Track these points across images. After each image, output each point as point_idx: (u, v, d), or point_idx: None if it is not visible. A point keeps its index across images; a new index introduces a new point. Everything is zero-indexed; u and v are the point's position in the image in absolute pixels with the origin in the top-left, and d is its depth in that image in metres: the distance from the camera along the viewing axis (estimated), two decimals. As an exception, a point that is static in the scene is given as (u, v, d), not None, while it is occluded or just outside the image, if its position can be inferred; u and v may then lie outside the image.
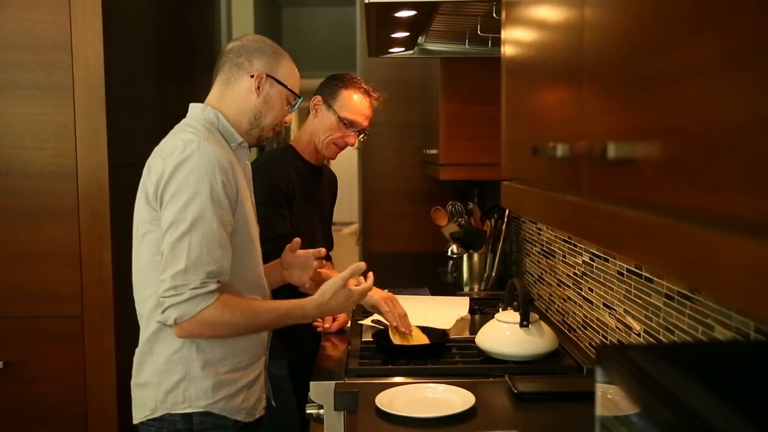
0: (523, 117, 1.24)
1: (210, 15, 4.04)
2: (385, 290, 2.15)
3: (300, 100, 1.79)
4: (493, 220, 2.80)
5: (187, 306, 1.49)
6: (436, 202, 3.82)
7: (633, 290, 1.64)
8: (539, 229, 2.55)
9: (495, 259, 2.77)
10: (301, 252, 1.93)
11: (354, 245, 8.32)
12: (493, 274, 2.77)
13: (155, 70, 3.06)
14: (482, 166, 2.75)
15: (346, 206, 9.03)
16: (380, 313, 2.06)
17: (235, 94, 1.71)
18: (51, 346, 2.51)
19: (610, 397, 0.88)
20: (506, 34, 1.37)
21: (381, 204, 4.09)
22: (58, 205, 2.48)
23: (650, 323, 1.55)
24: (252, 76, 1.70)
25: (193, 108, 1.72)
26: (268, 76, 1.71)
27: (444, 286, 2.99)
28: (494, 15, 1.87)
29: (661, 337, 1.49)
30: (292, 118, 1.87)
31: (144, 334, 1.65)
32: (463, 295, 2.71)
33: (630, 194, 0.73)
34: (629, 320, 1.67)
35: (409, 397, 1.61)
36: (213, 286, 1.51)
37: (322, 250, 1.95)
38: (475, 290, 2.79)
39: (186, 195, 1.50)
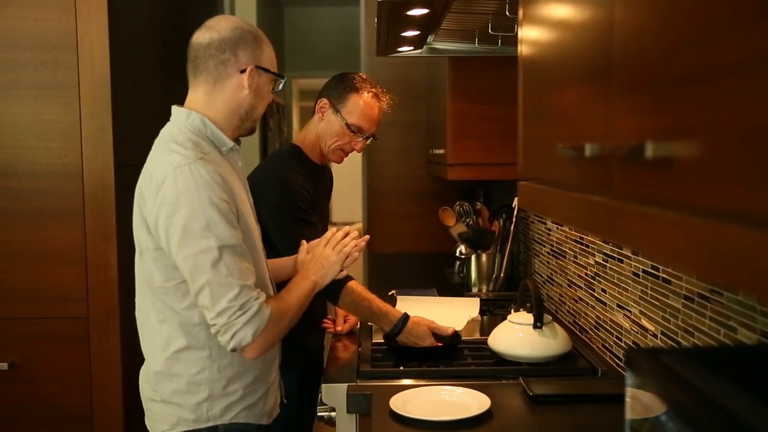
0: (544, 116, 1.22)
1: (214, 14, 4.02)
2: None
3: (284, 81, 1.71)
4: (501, 220, 2.78)
5: (258, 318, 1.48)
6: (441, 202, 3.81)
7: (649, 291, 1.63)
8: (549, 230, 2.53)
9: (503, 260, 2.75)
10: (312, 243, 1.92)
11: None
12: (502, 275, 2.75)
13: (159, 69, 3.04)
14: (490, 166, 2.73)
15: (348, 205, 9.02)
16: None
17: (225, 94, 1.61)
18: (56, 347, 2.49)
19: (640, 401, 0.86)
20: (523, 32, 1.35)
21: (386, 204, 4.07)
22: (64, 205, 2.46)
23: (668, 325, 1.53)
24: (242, 72, 1.60)
25: (177, 113, 1.63)
26: (257, 67, 1.61)
27: (451, 286, 2.97)
28: (507, 13, 1.85)
29: (679, 339, 1.47)
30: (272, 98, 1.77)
31: (161, 355, 1.59)
32: (472, 296, 2.69)
33: (668, 195, 0.71)
34: (644, 322, 1.66)
35: (424, 399, 1.59)
36: (264, 294, 1.52)
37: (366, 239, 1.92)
38: (483, 291, 2.77)
39: (199, 225, 1.45)
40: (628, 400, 0.88)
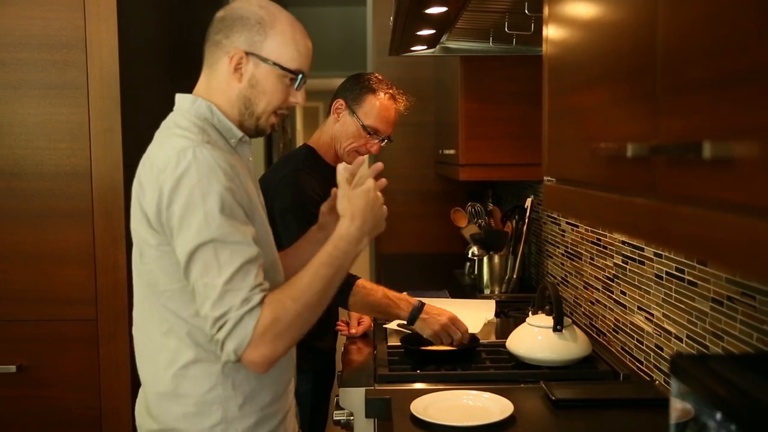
0: (573, 116, 1.19)
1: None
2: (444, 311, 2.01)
3: (300, 78, 1.43)
4: (514, 221, 2.75)
5: (238, 332, 1.24)
6: (448, 203, 3.78)
7: (674, 294, 1.60)
8: (563, 231, 2.51)
9: (516, 262, 2.73)
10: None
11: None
12: (514, 277, 2.73)
13: (167, 69, 3.02)
14: (502, 167, 2.71)
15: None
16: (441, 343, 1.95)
17: (219, 80, 1.41)
18: (65, 349, 2.47)
19: (686, 409, 0.84)
20: (549, 31, 1.33)
21: (393, 204, 3.99)
22: (72, 206, 2.44)
23: (694, 328, 1.50)
24: (231, 57, 1.39)
25: (181, 100, 1.45)
26: (249, 54, 1.39)
27: (462, 288, 2.94)
28: (526, 11, 1.82)
29: (707, 343, 1.45)
30: (303, 99, 1.49)
31: (166, 373, 1.38)
32: (485, 297, 2.67)
33: (727, 197, 0.68)
34: (668, 325, 1.63)
35: (445, 404, 1.57)
36: (257, 299, 1.26)
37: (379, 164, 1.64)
38: (496, 292, 2.74)
39: (197, 217, 1.26)
40: (673, 407, 0.85)
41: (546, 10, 1.33)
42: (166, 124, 1.44)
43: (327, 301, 1.38)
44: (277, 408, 1.45)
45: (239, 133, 1.44)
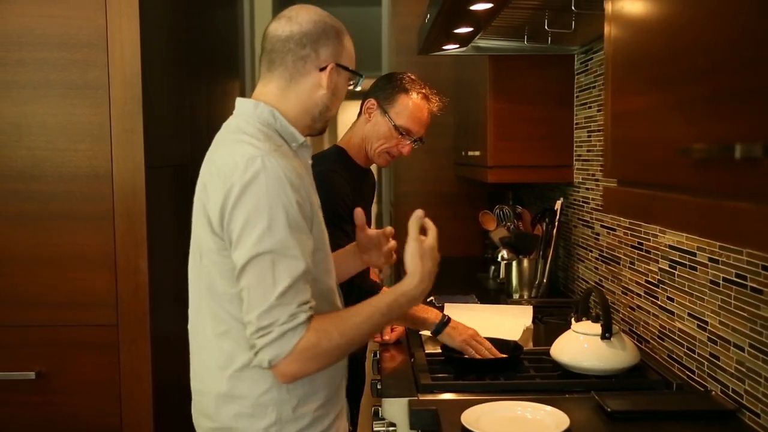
0: (647, 115, 1.13)
1: (232, 13, 3.93)
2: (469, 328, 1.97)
3: (362, 79, 1.55)
4: (544, 224, 2.69)
5: (279, 345, 1.29)
6: (468, 205, 3.73)
7: (733, 301, 1.54)
8: (597, 235, 2.45)
9: (546, 266, 2.66)
10: (372, 231, 1.76)
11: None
12: (544, 281, 2.66)
13: (185, 68, 2.96)
14: (533, 168, 2.66)
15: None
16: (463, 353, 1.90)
17: (300, 91, 1.47)
18: (85, 355, 2.40)
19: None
20: (613, 28, 1.26)
21: (411, 206, 3.97)
22: (93, 208, 2.37)
23: (759, 337, 1.44)
24: (321, 69, 1.46)
25: (243, 104, 1.48)
26: (336, 65, 1.48)
27: (487, 291, 2.88)
28: (572, 8, 1.76)
29: (775, 353, 1.39)
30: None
31: (222, 374, 1.42)
32: (514, 302, 2.61)
33: None
34: (725, 333, 1.57)
35: (497, 415, 1.50)
36: (303, 317, 1.30)
37: (389, 229, 1.77)
38: (525, 297, 2.68)
39: (260, 226, 1.29)
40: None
41: (609, 7, 1.27)
42: (228, 128, 1.46)
43: (366, 341, 1.50)
44: (329, 409, 1.49)
45: (301, 138, 1.49)
